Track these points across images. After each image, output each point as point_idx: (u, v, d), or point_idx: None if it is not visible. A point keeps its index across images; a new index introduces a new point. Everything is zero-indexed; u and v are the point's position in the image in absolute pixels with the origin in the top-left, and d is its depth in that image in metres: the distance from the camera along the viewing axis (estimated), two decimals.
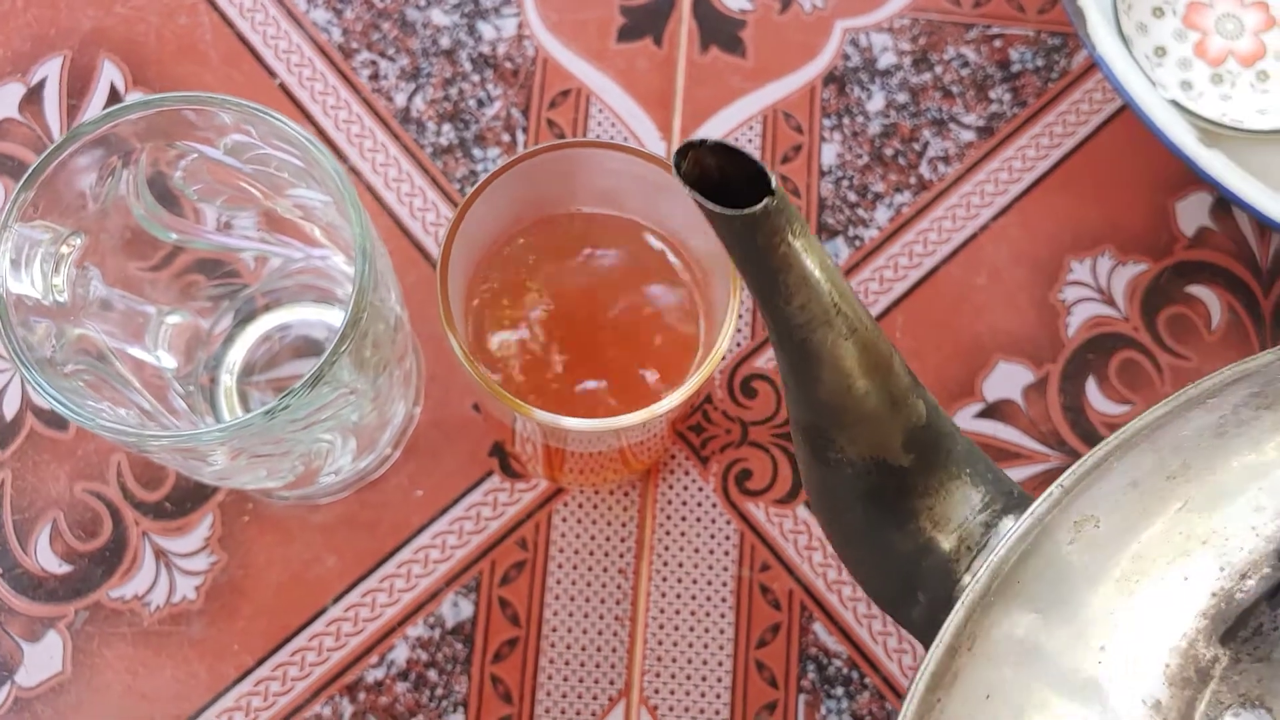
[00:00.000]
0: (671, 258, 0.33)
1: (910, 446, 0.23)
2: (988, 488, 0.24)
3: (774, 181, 0.19)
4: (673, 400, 0.28)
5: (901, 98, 0.41)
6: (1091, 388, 0.38)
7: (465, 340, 0.30)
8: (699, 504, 0.37)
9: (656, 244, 0.33)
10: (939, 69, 0.41)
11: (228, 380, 0.37)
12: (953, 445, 0.24)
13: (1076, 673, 0.19)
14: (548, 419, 0.28)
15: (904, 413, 0.23)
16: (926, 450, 0.24)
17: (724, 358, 0.29)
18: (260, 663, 0.36)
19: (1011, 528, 0.21)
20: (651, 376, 0.32)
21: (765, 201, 0.19)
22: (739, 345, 0.39)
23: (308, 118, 0.40)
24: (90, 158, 0.28)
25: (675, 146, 0.39)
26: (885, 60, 0.41)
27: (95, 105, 0.40)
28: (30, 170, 0.27)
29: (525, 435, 0.32)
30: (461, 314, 0.31)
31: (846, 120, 0.41)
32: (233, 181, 0.31)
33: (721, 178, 0.20)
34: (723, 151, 0.19)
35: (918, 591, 0.24)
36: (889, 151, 0.40)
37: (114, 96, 0.40)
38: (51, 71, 0.40)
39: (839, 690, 0.36)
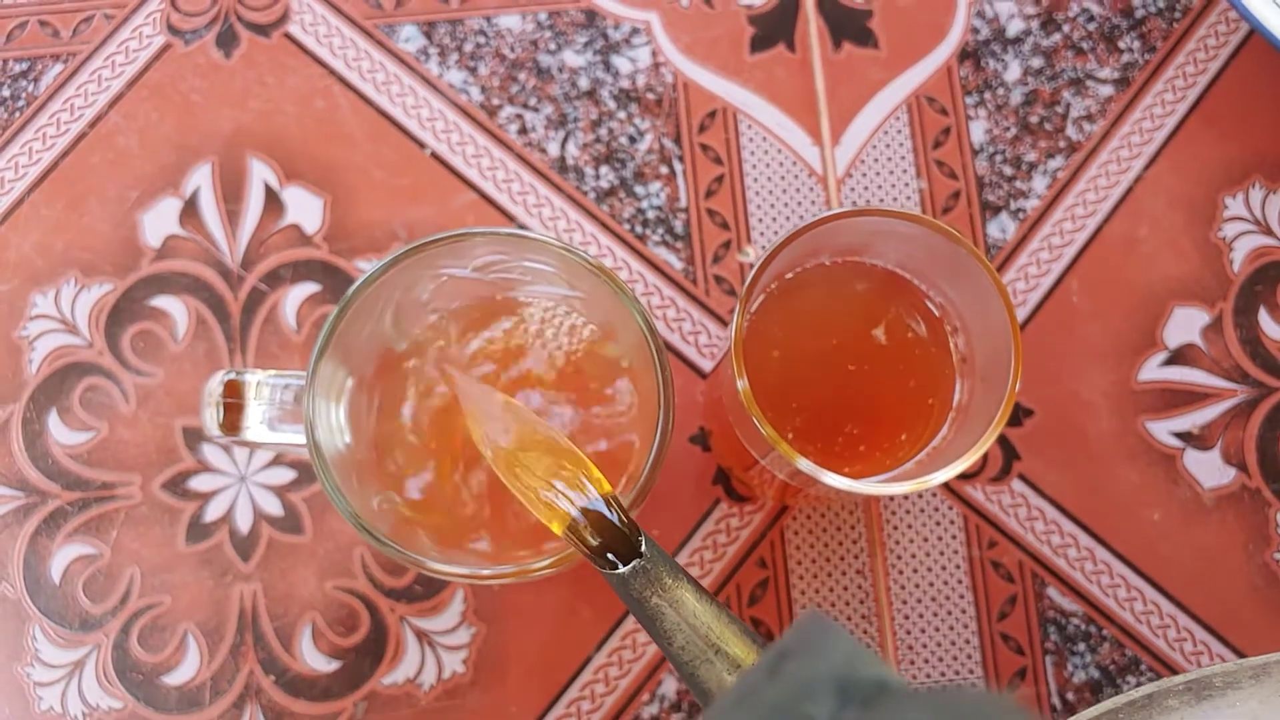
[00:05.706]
0: (932, 310, 0.33)
1: None
2: None
3: (643, 546, 0.23)
4: (953, 470, 0.28)
5: (1036, 62, 0.42)
6: (1265, 318, 0.40)
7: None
8: (919, 496, 0.39)
9: (915, 296, 0.33)
10: (1066, 27, 0.42)
11: None
12: None
13: None
14: (813, 470, 0.29)
15: None
16: None
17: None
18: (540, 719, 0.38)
19: None
20: (896, 429, 0.32)
21: (634, 563, 0.23)
22: None
23: (466, 184, 0.40)
24: (369, 305, 0.29)
25: (827, 152, 0.40)
26: (1014, 27, 0.42)
27: (254, 207, 0.40)
28: (322, 335, 0.28)
29: (766, 468, 0.33)
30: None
31: (988, 94, 0.41)
32: (469, 291, 0.32)
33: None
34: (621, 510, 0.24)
35: None
36: (1034, 119, 0.41)
37: (271, 195, 0.40)
38: (203, 180, 0.40)
39: (1081, 646, 0.38)
